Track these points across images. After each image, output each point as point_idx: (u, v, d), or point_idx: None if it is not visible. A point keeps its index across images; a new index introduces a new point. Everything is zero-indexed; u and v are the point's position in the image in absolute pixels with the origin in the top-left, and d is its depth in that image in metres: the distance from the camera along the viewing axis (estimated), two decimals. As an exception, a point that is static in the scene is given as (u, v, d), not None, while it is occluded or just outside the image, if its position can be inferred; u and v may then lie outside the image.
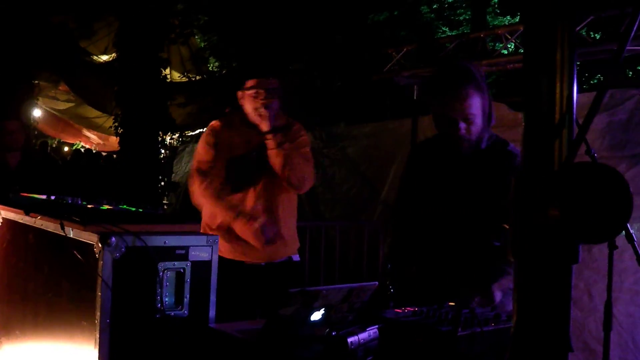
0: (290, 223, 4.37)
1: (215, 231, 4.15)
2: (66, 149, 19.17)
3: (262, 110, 4.10)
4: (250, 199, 4.18)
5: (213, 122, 4.37)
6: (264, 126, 4.10)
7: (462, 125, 3.17)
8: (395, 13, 13.11)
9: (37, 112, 14.53)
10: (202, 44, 14.77)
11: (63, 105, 15.54)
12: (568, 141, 1.36)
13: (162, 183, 12.10)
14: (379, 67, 8.44)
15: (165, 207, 11.82)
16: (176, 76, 13.95)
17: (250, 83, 4.16)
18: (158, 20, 11.77)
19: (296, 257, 4.41)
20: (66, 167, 13.07)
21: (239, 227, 4.16)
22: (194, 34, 13.98)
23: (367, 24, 12.51)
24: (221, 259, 4.14)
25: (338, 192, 9.36)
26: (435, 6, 15.36)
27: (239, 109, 4.25)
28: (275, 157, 4.07)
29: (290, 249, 4.37)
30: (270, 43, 11.05)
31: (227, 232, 4.18)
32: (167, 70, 12.85)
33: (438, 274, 3.29)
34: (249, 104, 4.16)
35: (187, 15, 13.14)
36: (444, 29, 16.20)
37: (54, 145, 19.44)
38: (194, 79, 13.95)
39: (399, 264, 3.52)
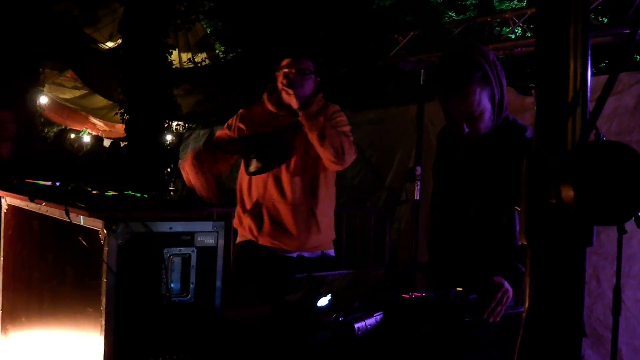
0: (326, 210, 4.28)
1: (251, 212, 4.12)
2: (72, 135, 19.16)
3: (289, 89, 4.05)
4: (286, 180, 4.12)
5: (241, 109, 4.35)
6: (294, 103, 4.05)
7: (467, 124, 3.04)
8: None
9: (43, 100, 14.51)
10: (208, 30, 14.71)
11: (69, 93, 15.54)
12: (582, 120, 1.33)
13: (168, 169, 12.09)
14: (384, 52, 8.39)
15: (171, 192, 11.83)
16: (183, 61, 13.92)
17: (283, 62, 4.14)
18: (163, 6, 11.73)
19: (330, 252, 4.31)
20: (74, 155, 13.07)
21: (273, 209, 4.11)
22: (200, 20, 13.93)
23: (373, 9, 12.46)
24: (253, 243, 4.15)
25: (343, 179, 9.33)
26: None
27: (270, 92, 4.23)
28: (310, 132, 3.99)
29: (325, 239, 4.27)
30: (275, 29, 11.02)
31: (260, 214, 4.13)
32: (175, 57, 12.82)
33: (456, 262, 3.24)
34: (279, 83, 4.13)
35: (192, 1, 13.10)
36: (450, 13, 16.14)
37: (60, 131, 19.43)
38: (199, 65, 13.92)
39: (435, 254, 3.44)
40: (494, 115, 3.07)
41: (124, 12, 11.95)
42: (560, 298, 1.27)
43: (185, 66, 13.98)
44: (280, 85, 4.13)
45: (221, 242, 2.99)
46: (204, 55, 14.26)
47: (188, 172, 4.06)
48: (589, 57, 1.31)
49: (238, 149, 4.23)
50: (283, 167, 4.12)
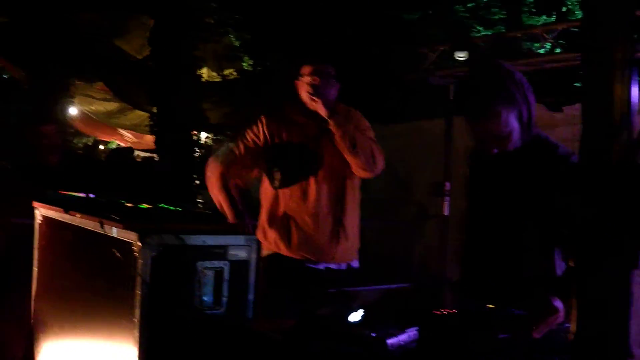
0: (354, 219, 4.20)
1: (276, 224, 4.09)
2: (101, 147, 19.29)
3: (316, 96, 4.00)
4: (312, 190, 4.07)
5: (262, 116, 4.28)
6: (322, 112, 3.98)
7: (495, 145, 2.99)
8: (430, 12, 13.05)
9: (73, 111, 14.64)
10: (237, 43, 14.77)
11: (98, 105, 15.65)
12: (628, 141, 1.32)
13: (197, 182, 12.11)
14: (413, 66, 8.39)
15: (199, 205, 11.84)
16: (211, 75, 13.99)
17: (306, 70, 4.07)
18: (192, 19, 11.80)
19: (355, 264, 4.27)
20: (105, 166, 13.15)
21: (300, 220, 4.07)
22: (228, 33, 14.00)
23: (401, 22, 12.46)
24: (280, 256, 4.13)
25: (371, 192, 9.31)
26: (470, 5, 15.24)
27: (292, 102, 4.16)
28: (342, 140, 3.95)
29: (351, 250, 4.22)
30: (303, 42, 11.06)
31: (287, 226, 4.10)
32: (203, 70, 12.88)
33: (490, 279, 3.21)
34: (304, 92, 4.06)
35: (221, 14, 13.16)
36: (478, 28, 16.08)
37: (90, 144, 19.59)
38: (228, 77, 13.97)
39: (468, 271, 3.41)
40: (523, 134, 3.03)
41: (154, 23, 12.02)
42: (607, 319, 1.26)
43: (214, 79, 14.04)
44: (305, 95, 4.07)
45: (254, 255, 3.00)
46: (232, 69, 14.32)
47: (214, 186, 4.05)
48: (636, 80, 1.31)
49: (263, 160, 4.20)
50: (309, 178, 4.09)
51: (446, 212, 7.36)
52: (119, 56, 13.25)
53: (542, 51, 7.76)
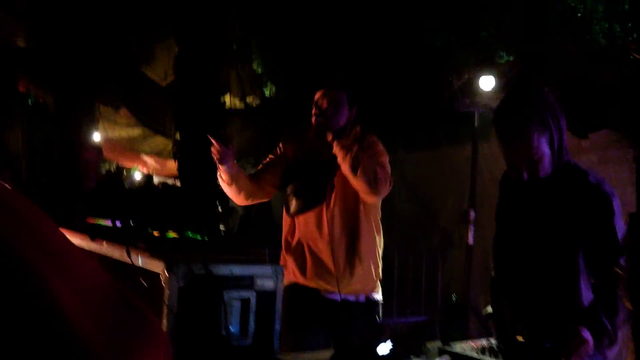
0: (371, 248, 4.16)
1: (293, 252, 4.06)
2: (124, 173, 19.37)
3: (320, 119, 4.01)
4: (325, 217, 4.04)
5: (284, 136, 4.31)
6: (326, 134, 4.00)
7: (526, 169, 2.96)
8: (454, 39, 12.97)
9: (97, 137, 14.73)
10: (260, 70, 14.82)
11: (122, 131, 15.72)
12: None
13: (220, 209, 12.10)
14: (439, 93, 8.36)
15: (222, 233, 11.81)
16: (235, 102, 14.02)
17: (316, 95, 4.09)
18: (217, 45, 11.84)
19: (375, 295, 4.18)
20: (131, 193, 13.17)
21: (315, 247, 4.04)
22: (253, 59, 14.05)
23: (427, 49, 12.41)
24: (297, 286, 4.08)
25: (396, 217, 9.28)
26: (493, 32, 15.16)
27: (309, 127, 4.16)
28: (343, 162, 3.93)
29: (369, 279, 4.15)
30: (329, 69, 11.05)
31: (302, 253, 4.07)
32: (227, 97, 12.92)
33: (519, 308, 3.16)
34: (313, 115, 4.08)
35: (246, 40, 13.20)
36: (501, 53, 15.97)
37: (112, 170, 19.69)
38: (252, 104, 13.99)
39: (497, 299, 3.36)
40: (553, 160, 3.00)
41: (179, 50, 12.08)
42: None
43: (237, 105, 14.07)
44: (313, 118, 4.08)
45: (280, 286, 2.97)
46: (254, 95, 14.35)
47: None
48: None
49: (279, 183, 4.20)
50: (323, 204, 4.06)
51: (471, 240, 7.29)
52: (144, 82, 13.33)
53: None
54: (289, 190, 4.18)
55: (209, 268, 2.72)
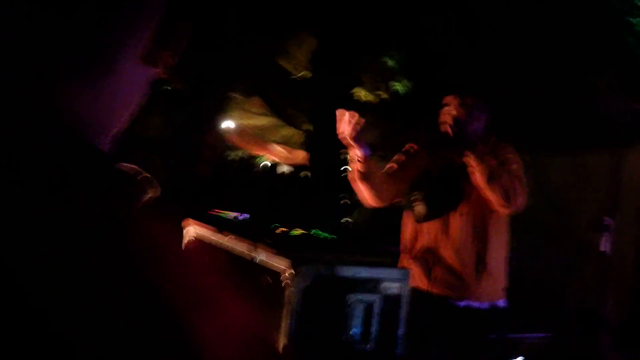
0: (498, 256, 4.02)
1: (418, 258, 3.95)
2: (254, 161, 19.68)
3: (453, 127, 3.86)
4: (454, 224, 3.92)
5: (408, 144, 4.18)
6: (460, 144, 3.85)
7: None
8: (597, 41, 12.49)
9: (229, 124, 15.01)
10: (393, 64, 14.72)
11: (254, 119, 15.95)
12: None
13: (348, 201, 12.09)
14: (583, 95, 8.04)
15: (348, 225, 11.81)
16: (368, 95, 13.99)
17: (449, 100, 3.95)
18: (352, 40, 11.82)
19: (501, 302, 4.05)
20: (260, 183, 13.35)
21: (442, 254, 3.91)
22: (387, 54, 13.97)
23: (572, 48, 12.01)
24: (421, 292, 3.96)
25: (530, 223, 8.98)
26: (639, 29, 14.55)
27: (439, 132, 4.02)
28: (477, 173, 3.79)
29: (495, 287, 4.02)
30: (462, 68, 10.84)
31: (428, 260, 3.95)
32: (360, 90, 12.90)
33: None
34: (445, 122, 3.94)
35: (381, 36, 13.12)
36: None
37: (244, 157, 20.04)
38: (383, 99, 13.92)
39: None
40: None
41: (314, 43, 12.13)
42: None
43: (370, 99, 14.03)
44: (445, 124, 3.94)
45: (406, 290, 2.86)
46: (387, 88, 14.26)
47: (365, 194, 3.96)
48: None
49: (408, 185, 4.07)
50: (451, 211, 3.92)
51: (607, 249, 6.97)
52: (278, 72, 13.47)
53: None
54: (415, 194, 4.05)
55: (335, 269, 2.63)
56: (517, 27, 9.60)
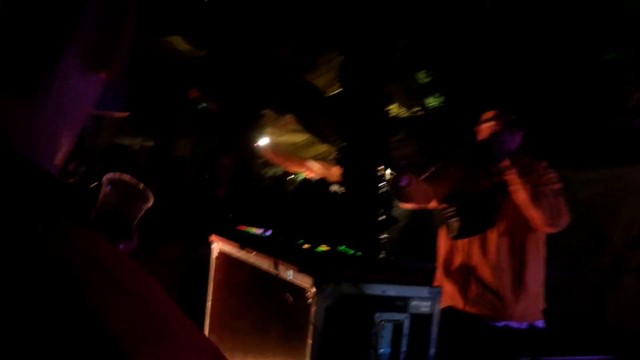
0: (537, 275, 3.92)
1: (453, 276, 3.84)
2: (290, 177, 19.69)
3: (492, 143, 3.75)
4: (491, 242, 3.80)
5: (440, 162, 4.06)
6: (505, 160, 3.72)
7: None
8: (626, 51, 12.30)
9: (263, 141, 15.02)
10: (426, 80, 14.62)
11: (288, 136, 15.96)
12: None
13: (382, 217, 11.97)
14: (613, 108, 7.89)
15: (384, 241, 11.68)
16: (399, 111, 13.91)
17: (487, 115, 3.84)
18: (382, 56, 11.75)
19: (539, 323, 3.93)
20: (290, 199, 13.30)
21: (479, 274, 3.80)
22: (419, 69, 13.89)
23: (600, 62, 11.83)
24: (456, 311, 3.85)
25: (559, 240, 8.80)
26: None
27: (473, 147, 3.91)
28: (520, 192, 3.67)
29: (534, 308, 3.90)
30: (494, 83, 10.71)
31: (466, 279, 3.83)
32: (393, 106, 12.82)
33: None
34: (484, 139, 3.82)
35: (412, 51, 13.03)
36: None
37: (278, 174, 20.06)
38: (416, 114, 13.82)
39: None
40: None
41: (343, 59, 12.09)
42: None
43: (402, 115, 13.95)
44: (484, 141, 3.82)
45: (437, 309, 2.74)
46: (420, 105, 14.17)
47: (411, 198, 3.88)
48: None
49: (442, 197, 3.96)
50: (488, 229, 3.81)
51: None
52: (309, 90, 13.47)
53: None
54: (450, 211, 3.94)
55: (360, 287, 2.53)
56: (548, 42, 9.48)
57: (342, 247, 3.01)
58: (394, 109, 13.40)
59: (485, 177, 3.88)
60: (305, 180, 17.18)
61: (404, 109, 13.99)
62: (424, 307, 2.68)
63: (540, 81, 9.88)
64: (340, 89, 12.37)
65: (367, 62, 11.57)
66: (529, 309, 3.88)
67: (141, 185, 2.06)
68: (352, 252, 2.95)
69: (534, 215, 3.69)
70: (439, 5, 11.00)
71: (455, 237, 3.87)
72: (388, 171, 13.94)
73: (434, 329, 2.73)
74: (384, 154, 11.74)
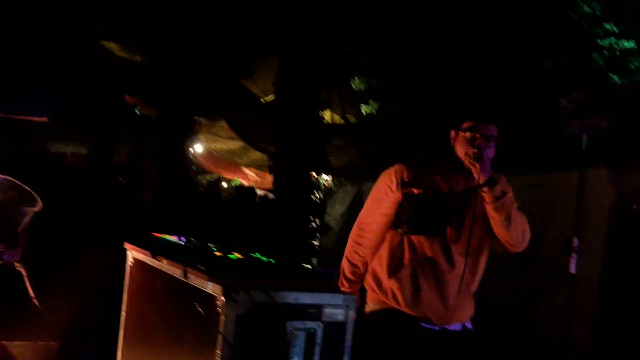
0: (477, 281, 3.86)
1: (400, 275, 3.72)
2: (224, 184, 19.54)
3: (477, 159, 3.61)
4: (453, 250, 3.70)
5: (397, 165, 3.89)
6: (480, 177, 3.59)
7: (638, 202, 2.65)
8: (563, 60, 12.48)
9: (198, 148, 14.89)
10: (363, 87, 14.63)
11: (223, 143, 15.83)
12: None
13: (315, 224, 11.89)
14: (547, 115, 7.95)
15: (316, 248, 11.63)
16: (335, 118, 13.87)
17: (469, 125, 3.69)
18: (319, 62, 11.72)
19: (469, 325, 3.88)
20: (225, 205, 13.19)
21: (434, 279, 3.70)
22: (354, 77, 13.88)
23: (534, 70, 11.98)
24: (398, 312, 3.76)
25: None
26: (605, 53, 14.58)
27: (442, 152, 3.78)
28: (496, 212, 3.57)
29: (470, 310, 3.86)
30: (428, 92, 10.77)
31: (416, 281, 3.72)
32: (327, 113, 12.77)
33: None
34: (462, 148, 3.69)
35: (349, 58, 13.03)
36: (612, 76, 15.29)
37: (212, 181, 19.91)
38: (352, 122, 13.79)
39: None
40: None
41: (280, 65, 12.03)
42: None
43: (337, 122, 13.92)
44: (462, 152, 3.68)
45: (351, 317, 2.68)
46: (355, 112, 14.16)
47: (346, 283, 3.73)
48: None
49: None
50: (452, 234, 3.71)
51: (573, 270, 6.84)
52: (243, 96, 13.37)
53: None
54: (405, 215, 3.81)
55: (272, 295, 2.46)
56: (487, 48, 9.57)
57: (256, 255, 2.94)
58: (329, 115, 13.38)
59: (451, 184, 3.76)
60: (239, 187, 17.10)
61: (339, 115, 13.98)
62: (338, 314, 2.63)
63: (478, 86, 9.97)
64: (276, 95, 12.33)
65: (303, 69, 11.52)
66: (467, 312, 3.83)
67: (26, 188, 1.97)
68: (265, 259, 2.87)
69: (504, 236, 3.61)
70: (377, 11, 11.02)
71: (407, 233, 3.74)
72: (324, 177, 13.93)
73: (348, 337, 2.67)
74: (318, 161, 11.70)
